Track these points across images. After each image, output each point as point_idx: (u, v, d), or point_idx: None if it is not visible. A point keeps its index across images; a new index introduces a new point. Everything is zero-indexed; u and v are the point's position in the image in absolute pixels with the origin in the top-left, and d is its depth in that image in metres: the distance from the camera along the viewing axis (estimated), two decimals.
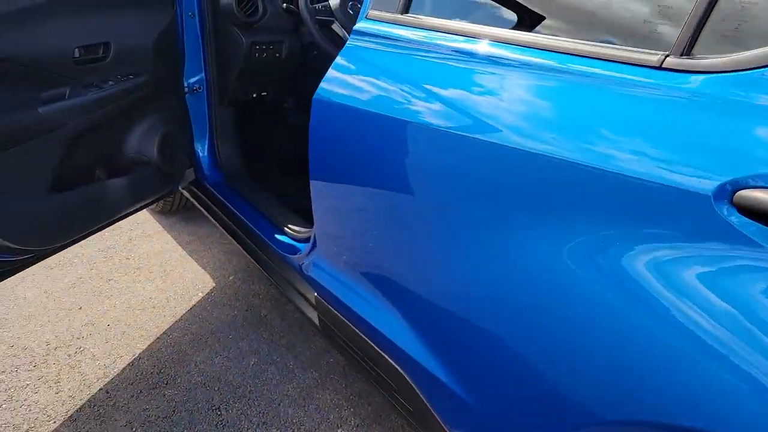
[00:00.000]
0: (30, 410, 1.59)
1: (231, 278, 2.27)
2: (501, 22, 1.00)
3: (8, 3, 1.28)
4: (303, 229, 1.73)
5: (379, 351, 1.29)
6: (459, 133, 0.90)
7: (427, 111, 0.97)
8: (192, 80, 2.08)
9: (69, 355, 1.80)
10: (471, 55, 0.94)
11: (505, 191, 0.88)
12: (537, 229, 0.84)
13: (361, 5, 2.05)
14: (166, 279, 2.23)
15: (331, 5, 1.92)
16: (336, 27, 1.93)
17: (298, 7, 1.99)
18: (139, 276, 2.25)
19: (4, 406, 1.60)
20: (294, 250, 1.71)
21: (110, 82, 1.58)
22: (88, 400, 1.64)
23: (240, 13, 1.88)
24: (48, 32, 1.40)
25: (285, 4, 1.95)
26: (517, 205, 0.86)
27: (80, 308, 2.03)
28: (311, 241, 1.54)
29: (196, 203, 2.30)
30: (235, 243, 2.07)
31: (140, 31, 1.67)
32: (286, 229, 1.81)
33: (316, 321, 1.54)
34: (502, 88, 0.90)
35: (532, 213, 0.84)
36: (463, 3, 1.08)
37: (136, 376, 1.75)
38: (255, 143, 2.53)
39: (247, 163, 2.30)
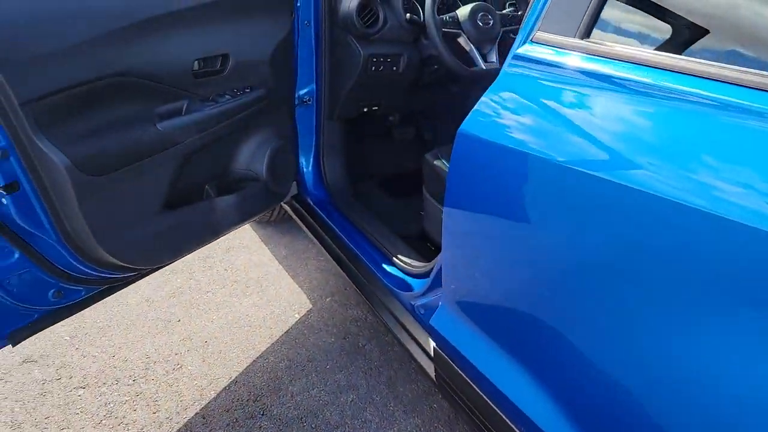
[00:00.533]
0: (128, 430, 1.55)
1: (328, 300, 2.16)
2: (722, 56, 0.79)
3: (130, 15, 1.22)
4: (417, 263, 1.58)
5: (512, 426, 1.10)
6: (650, 192, 0.70)
7: (610, 161, 0.78)
8: (302, 92, 1.99)
9: (167, 372, 1.76)
10: (677, 94, 0.74)
11: (705, 265, 0.67)
12: (744, 324, 0.64)
13: (493, 17, 1.89)
14: (263, 295, 2.16)
15: (459, 17, 1.75)
16: (462, 41, 1.76)
17: (422, 17, 1.84)
18: (236, 290, 2.19)
19: (103, 422, 1.56)
20: (406, 287, 1.56)
21: (227, 96, 1.51)
22: (185, 425, 1.58)
23: (359, 23, 1.76)
24: (171, 44, 1.33)
25: (408, 15, 1.81)
26: (720, 286, 0.66)
27: (179, 320, 1.99)
28: (430, 279, 1.38)
29: (296, 218, 2.22)
30: (333, 262, 1.96)
31: (258, 41, 1.59)
32: (396, 260, 1.66)
33: (432, 373, 1.38)
34: (718, 141, 0.69)
35: (737, 299, 0.64)
36: (671, 28, 0.86)
37: (233, 402, 1.67)
38: (361, 160, 2.42)
39: (351, 180, 2.18)
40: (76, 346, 1.82)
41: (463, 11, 1.75)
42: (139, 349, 1.84)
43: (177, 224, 1.46)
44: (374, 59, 1.85)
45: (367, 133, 2.48)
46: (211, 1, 1.38)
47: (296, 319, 2.04)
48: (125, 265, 1.40)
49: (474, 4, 1.76)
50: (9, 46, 1.03)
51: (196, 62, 1.41)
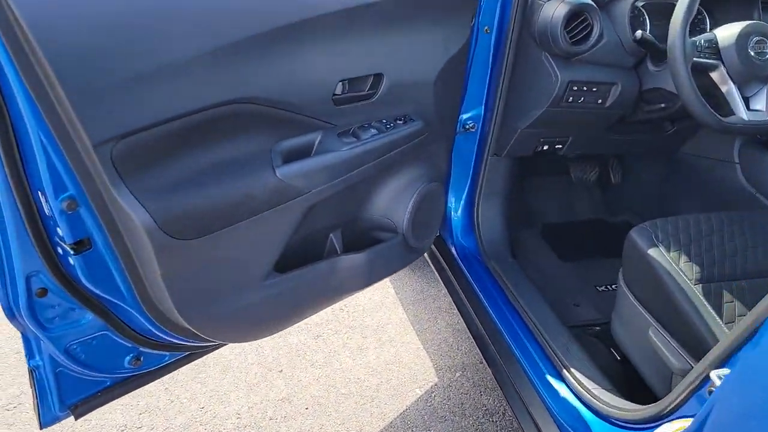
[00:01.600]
0: None
1: (457, 375, 1.73)
2: None
3: (261, 23, 0.86)
4: (632, 406, 1.06)
5: None
6: None
7: None
8: (466, 116, 1.55)
9: None
10: None
11: None
12: None
13: None
14: (381, 353, 1.79)
15: (719, 40, 1.18)
16: (717, 75, 1.19)
17: (657, 37, 1.30)
18: (350, 338, 1.84)
19: None
20: (585, 429, 1.08)
21: (372, 131, 1.11)
22: None
23: (564, 38, 1.26)
24: (311, 60, 0.96)
25: (640, 32, 1.28)
26: None
27: (281, 371, 1.69)
28: None
29: (431, 264, 1.81)
30: (472, 338, 1.52)
31: (424, 57, 1.17)
32: (569, 375, 1.18)
33: None
34: None
35: None
36: None
37: None
38: (522, 200, 1.93)
39: (510, 231, 1.71)
40: (166, 386, 1.58)
41: (727, 33, 1.18)
42: (232, 403, 1.56)
43: (285, 291, 1.11)
44: (574, 87, 1.35)
45: (534, 169, 1.98)
46: (367, 3, 0.98)
47: (416, 396, 1.64)
48: (216, 340, 1.09)
49: (745, 24, 1.18)
50: (82, 65, 0.71)
51: (339, 84, 1.03)
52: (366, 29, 1.02)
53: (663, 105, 1.40)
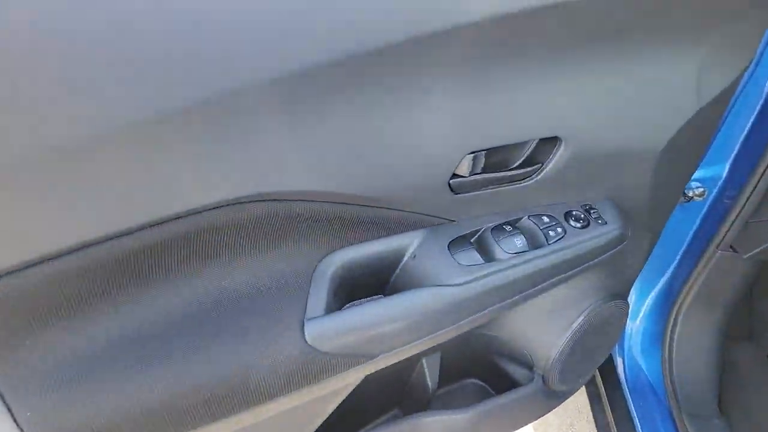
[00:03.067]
0: None
1: None
2: None
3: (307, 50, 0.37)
4: None
5: None
6: None
7: None
8: (697, 176, 0.94)
9: None
10: None
11: None
12: None
13: None
14: None
15: None
16: None
17: None
18: None
19: None
20: None
21: (519, 240, 0.59)
22: None
23: None
24: (419, 120, 0.47)
25: None
26: None
27: None
28: None
29: (589, 405, 1.24)
30: None
31: (653, 107, 0.60)
32: None
33: None
34: None
35: None
36: None
37: None
38: (750, 312, 1.25)
39: (720, 367, 1.08)
40: None
41: None
42: None
43: None
44: None
45: None
46: (542, 5, 0.45)
47: None
48: None
49: None
50: None
51: (468, 159, 0.53)
52: (530, 57, 0.49)
53: None
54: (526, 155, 0.57)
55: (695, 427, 0.96)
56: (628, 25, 0.51)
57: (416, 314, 0.52)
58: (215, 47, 0.35)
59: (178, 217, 0.41)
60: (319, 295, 0.50)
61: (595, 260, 0.64)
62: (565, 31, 0.48)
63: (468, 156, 0.52)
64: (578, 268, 0.62)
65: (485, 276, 0.55)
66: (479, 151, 0.52)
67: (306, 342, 0.47)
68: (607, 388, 1.09)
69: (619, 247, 0.65)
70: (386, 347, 0.52)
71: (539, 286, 0.60)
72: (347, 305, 0.58)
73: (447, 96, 0.47)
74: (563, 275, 0.61)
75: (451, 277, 0.54)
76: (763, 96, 0.83)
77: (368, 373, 0.54)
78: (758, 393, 1.12)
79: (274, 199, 0.45)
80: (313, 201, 0.48)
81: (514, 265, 0.57)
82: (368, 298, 0.59)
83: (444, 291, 0.53)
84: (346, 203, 0.50)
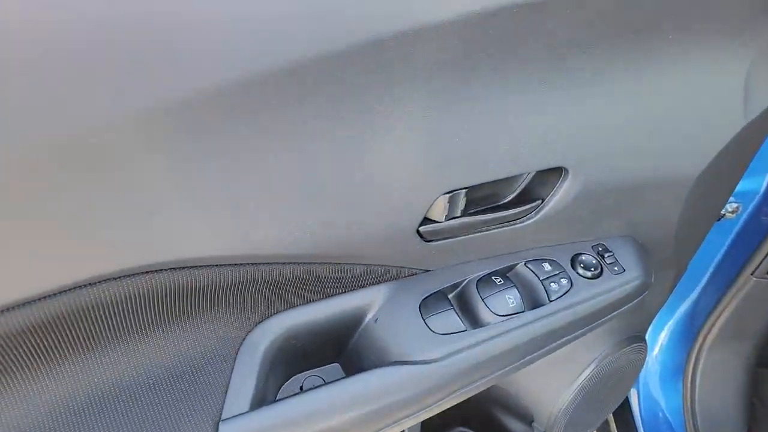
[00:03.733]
0: None
1: None
2: None
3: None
4: None
5: None
6: None
7: None
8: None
9: None
10: None
11: None
12: None
13: None
14: None
15: None
16: None
17: None
18: None
19: None
20: None
21: (512, 297, 0.46)
22: None
23: None
24: (376, 155, 0.34)
25: None
26: None
27: None
28: None
29: None
30: None
31: (689, 124, 0.47)
32: None
33: None
34: None
35: None
36: None
37: None
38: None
39: (747, 404, 0.95)
40: None
41: None
42: None
43: None
44: None
45: None
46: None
47: None
48: None
49: None
50: None
51: (442, 199, 0.40)
52: (523, 65, 0.36)
53: None
54: (520, 189, 0.45)
55: None
56: (653, 21, 0.38)
57: (373, 402, 0.40)
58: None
59: (44, 297, 0.29)
60: (244, 381, 0.38)
61: (610, 316, 0.51)
62: (568, 28, 0.35)
63: (442, 196, 0.39)
64: (588, 327, 0.50)
65: (468, 348, 0.43)
66: (457, 190, 0.40)
67: None
68: (619, 427, 0.97)
69: (640, 297, 0.52)
70: None
71: (538, 353, 0.48)
72: (291, 378, 0.46)
73: (410, 118, 0.34)
74: (570, 336, 0.49)
75: (423, 350, 0.42)
76: None
77: None
78: None
79: (172, 268, 0.33)
80: (236, 265, 0.36)
81: (506, 331, 0.44)
82: (320, 368, 0.47)
83: (412, 370, 0.41)
84: (283, 263, 0.38)
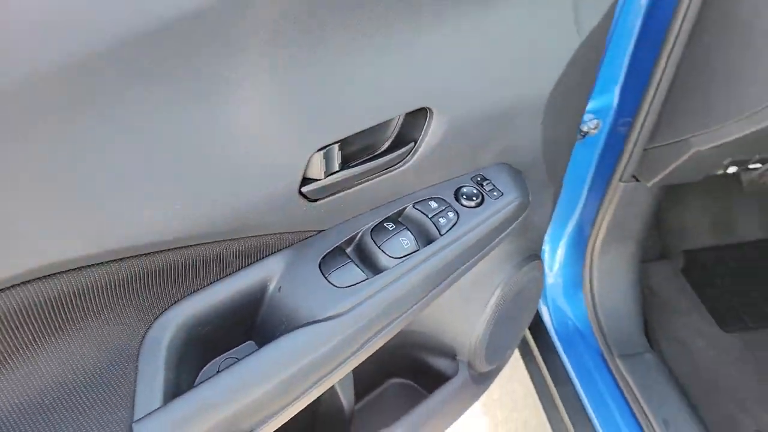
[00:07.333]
0: None
1: None
2: None
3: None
4: None
5: None
6: None
7: None
8: (589, 108, 0.87)
9: None
10: None
11: None
12: None
13: None
14: None
15: None
16: None
17: None
18: None
19: None
20: None
21: (406, 238, 0.48)
22: None
23: None
24: (244, 117, 0.33)
25: None
26: None
27: None
28: None
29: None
30: None
31: (530, 49, 0.50)
32: None
33: None
34: None
35: None
36: None
37: None
38: (661, 229, 1.25)
39: (643, 302, 1.06)
40: None
41: None
42: None
43: None
44: None
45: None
46: None
47: None
48: None
49: None
50: None
51: (317, 156, 0.40)
52: (370, 13, 0.37)
53: None
54: (394, 135, 0.46)
55: (627, 366, 0.94)
56: None
57: (289, 367, 0.40)
58: None
59: None
60: (152, 378, 0.37)
61: (500, 237, 0.55)
62: None
63: (317, 153, 0.40)
64: (482, 251, 0.53)
65: (372, 295, 0.44)
66: (330, 144, 0.40)
67: None
68: (536, 341, 1.05)
69: (522, 216, 0.56)
70: (259, 419, 0.40)
71: (441, 285, 0.50)
72: (208, 365, 0.45)
73: (264, 80, 0.34)
74: (468, 263, 0.52)
75: (329, 307, 0.43)
76: (641, 15, 0.76)
77: None
78: (678, 312, 1.13)
79: (44, 276, 0.31)
80: (115, 261, 0.34)
81: (407, 271, 0.46)
82: (234, 349, 0.47)
83: (321, 328, 0.42)
84: (167, 250, 0.37)
